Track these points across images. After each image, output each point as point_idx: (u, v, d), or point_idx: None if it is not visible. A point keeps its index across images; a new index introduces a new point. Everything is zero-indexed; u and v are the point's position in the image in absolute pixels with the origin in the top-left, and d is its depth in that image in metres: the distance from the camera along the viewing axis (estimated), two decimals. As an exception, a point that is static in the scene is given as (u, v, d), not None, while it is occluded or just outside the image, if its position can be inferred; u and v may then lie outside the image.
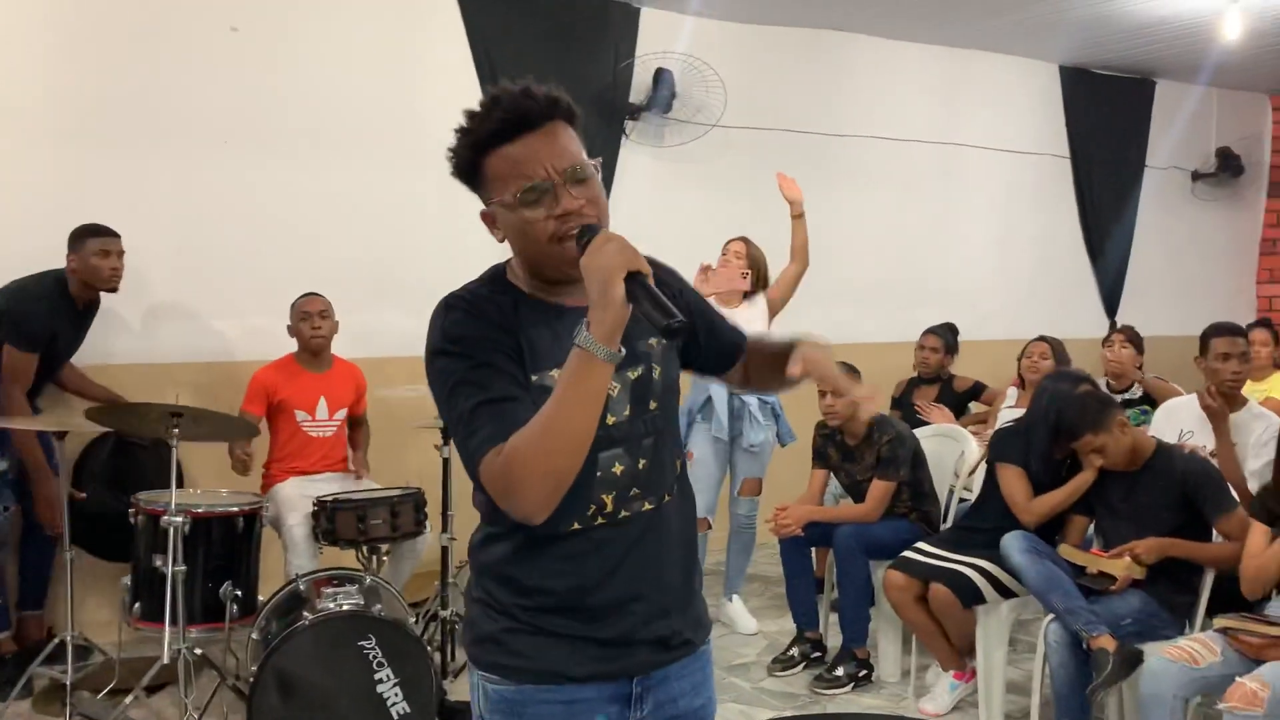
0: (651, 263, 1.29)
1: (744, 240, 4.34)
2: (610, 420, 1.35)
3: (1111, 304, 6.87)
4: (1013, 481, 3.50)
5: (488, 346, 1.30)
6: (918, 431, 4.16)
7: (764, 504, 4.26)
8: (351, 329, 4.30)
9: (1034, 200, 6.62)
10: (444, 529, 3.80)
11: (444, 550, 3.77)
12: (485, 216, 1.37)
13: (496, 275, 1.40)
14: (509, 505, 1.25)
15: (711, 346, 1.58)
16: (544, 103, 1.31)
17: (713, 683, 1.50)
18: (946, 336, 5.13)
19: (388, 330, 4.69)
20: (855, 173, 5.86)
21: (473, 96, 4.45)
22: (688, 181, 5.42)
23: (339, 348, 4.17)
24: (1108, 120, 6.68)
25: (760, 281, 4.30)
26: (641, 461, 1.38)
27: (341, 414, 4.08)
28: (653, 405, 1.41)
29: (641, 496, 1.38)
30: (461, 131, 1.33)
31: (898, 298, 6.02)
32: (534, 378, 1.32)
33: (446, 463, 3.69)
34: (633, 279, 1.22)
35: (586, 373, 1.22)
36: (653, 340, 1.42)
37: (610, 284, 1.20)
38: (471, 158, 1.33)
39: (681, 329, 1.18)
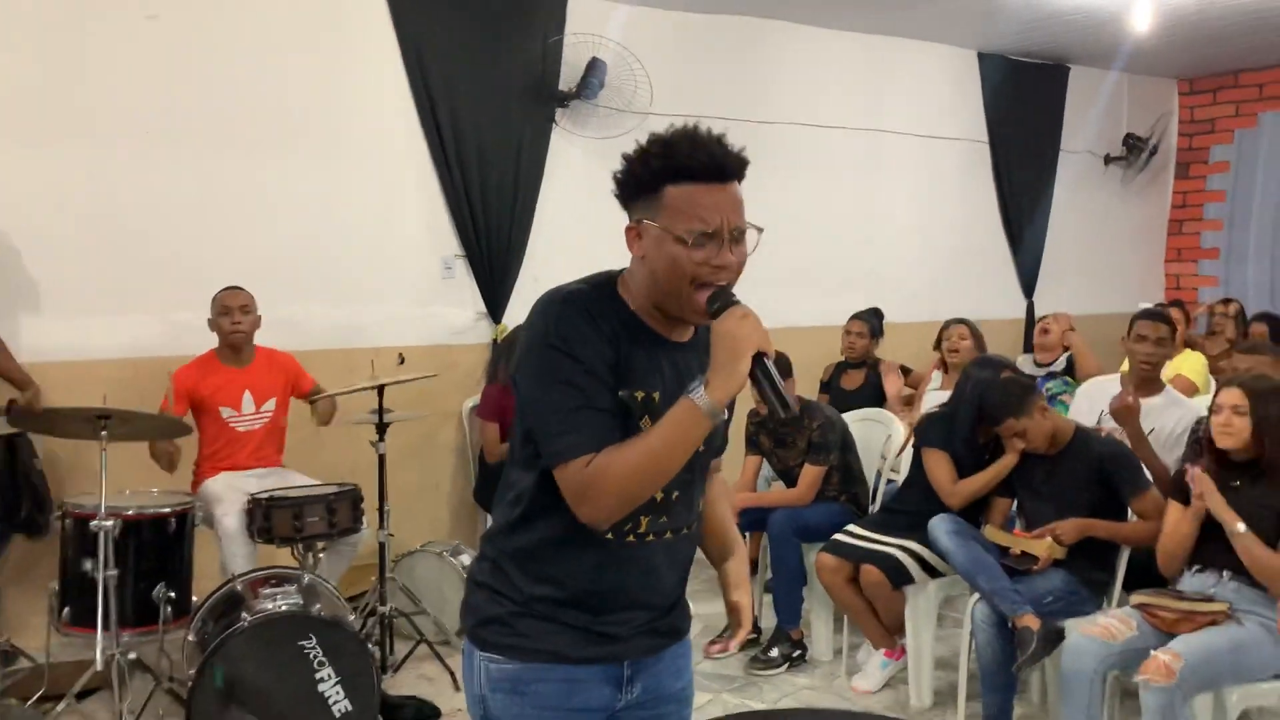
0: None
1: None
2: None
3: (1029, 285, 6.90)
4: (938, 465, 3.54)
5: (595, 354, 1.34)
6: (846, 416, 4.17)
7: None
8: (276, 322, 4.22)
9: (955, 185, 6.58)
10: (381, 525, 3.74)
11: (381, 546, 3.72)
12: (633, 230, 1.41)
13: (607, 284, 1.44)
14: (580, 508, 1.32)
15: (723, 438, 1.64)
16: (737, 162, 1.37)
17: (691, 667, 1.61)
18: (872, 321, 5.13)
19: (313, 323, 4.60)
20: (783, 160, 5.76)
21: (398, 85, 4.41)
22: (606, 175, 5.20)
23: (264, 342, 4.09)
24: (1025, 107, 6.72)
25: None
26: (676, 494, 1.47)
27: (270, 405, 3.98)
28: (701, 446, 1.44)
29: (669, 525, 1.47)
30: (654, 154, 1.37)
31: (825, 282, 5.97)
32: (621, 392, 1.36)
33: (382, 459, 3.65)
34: (758, 359, 1.30)
35: (692, 424, 1.29)
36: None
37: (740, 357, 1.28)
38: (657, 181, 1.37)
39: (791, 421, 1.20)
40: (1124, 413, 3.41)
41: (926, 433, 3.64)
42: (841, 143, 6.04)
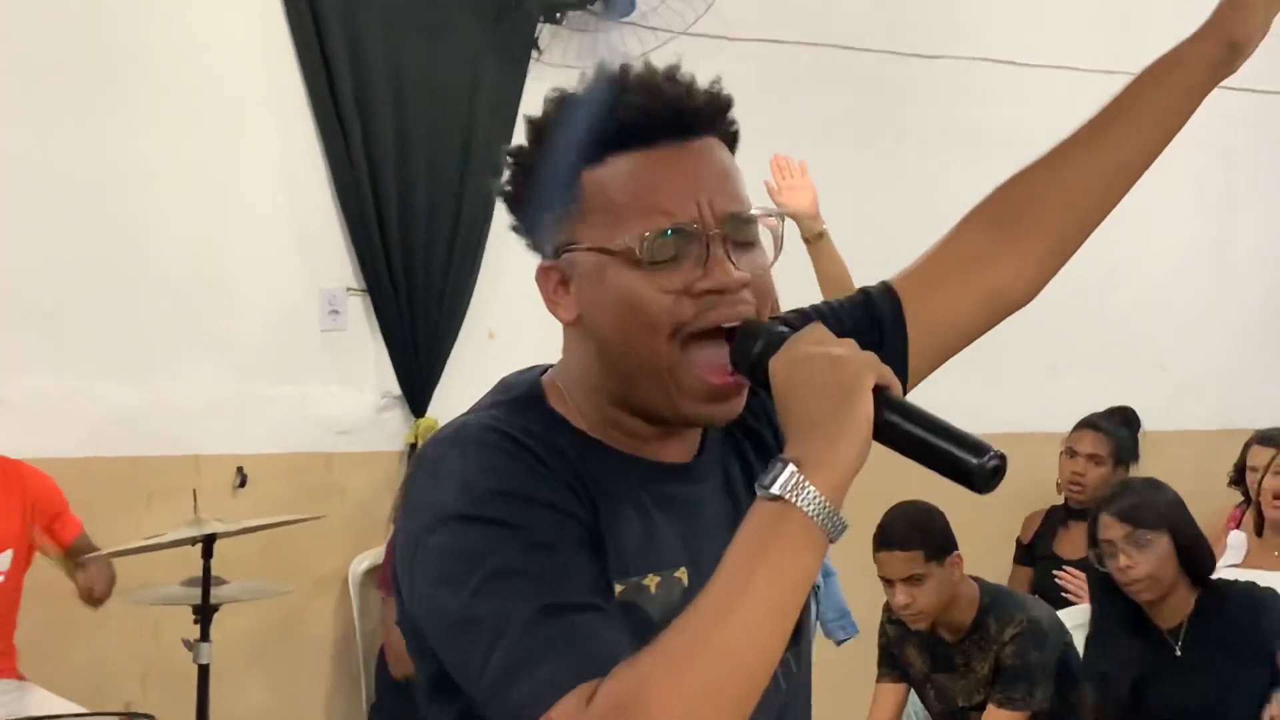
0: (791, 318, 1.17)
1: None
2: None
3: None
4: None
5: (553, 518, 1.03)
6: (1065, 614, 3.33)
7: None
8: (6, 408, 3.62)
9: (1272, 175, 5.12)
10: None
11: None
12: (548, 273, 1.09)
13: (529, 401, 1.12)
14: None
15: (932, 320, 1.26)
16: (709, 102, 1.07)
17: None
18: (1118, 434, 3.98)
19: (79, 411, 3.74)
20: (954, 123, 4.57)
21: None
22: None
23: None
24: None
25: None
26: None
27: (3, 561, 3.32)
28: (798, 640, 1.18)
29: None
30: (545, 126, 1.08)
31: (1021, 355, 4.55)
32: (621, 586, 1.07)
33: (204, 671, 3.11)
34: (882, 397, 0.98)
35: (785, 549, 0.95)
36: None
37: (855, 391, 0.96)
38: (568, 169, 1.06)
39: (1003, 467, 0.96)
40: None
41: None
42: (1060, 96, 4.52)
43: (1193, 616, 2.68)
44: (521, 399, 1.14)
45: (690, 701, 0.93)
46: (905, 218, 4.43)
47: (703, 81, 1.11)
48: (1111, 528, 2.68)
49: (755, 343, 1.03)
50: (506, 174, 1.13)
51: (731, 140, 1.12)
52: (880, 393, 0.98)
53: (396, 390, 4.01)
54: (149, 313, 3.77)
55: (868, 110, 4.51)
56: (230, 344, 3.89)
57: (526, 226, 1.13)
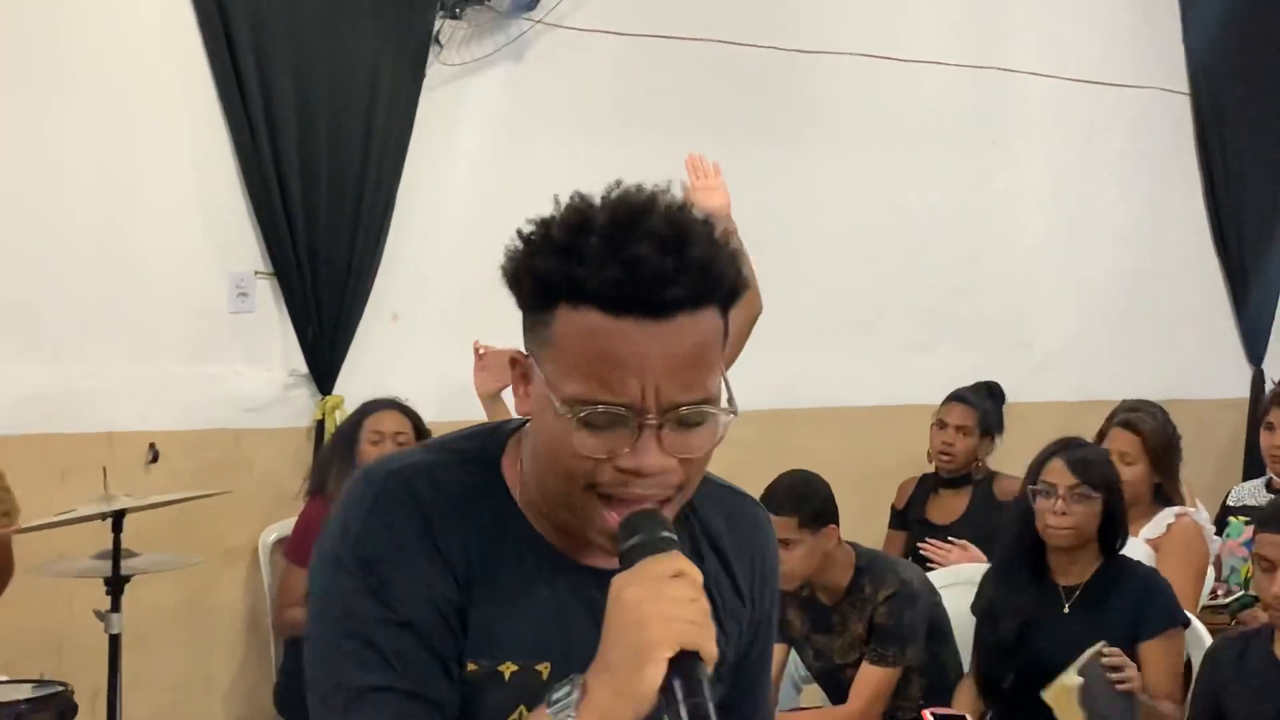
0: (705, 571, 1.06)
1: None
2: None
3: (1258, 344, 5.45)
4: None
5: (419, 602, 1.08)
6: (938, 576, 3.45)
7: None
8: None
9: (1131, 167, 5.23)
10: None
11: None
12: (516, 363, 1.11)
13: (487, 457, 1.14)
14: None
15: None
16: (693, 279, 1.01)
17: None
18: (983, 405, 4.08)
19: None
20: (838, 118, 4.65)
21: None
22: (540, 119, 4.36)
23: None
24: (1263, 32, 5.21)
25: None
26: None
27: None
28: None
29: None
30: (544, 240, 1.04)
31: (900, 331, 4.74)
32: (471, 664, 1.10)
33: (116, 641, 3.16)
34: (683, 664, 0.99)
35: None
36: None
37: (645, 656, 0.97)
38: (547, 294, 1.04)
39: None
40: None
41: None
42: (938, 90, 4.77)
43: (1090, 581, 2.75)
44: (480, 453, 1.16)
45: None
46: (787, 210, 4.59)
47: (706, 251, 1.05)
48: (1059, 474, 2.71)
49: (632, 536, 1.04)
50: (515, 242, 1.10)
51: (727, 302, 1.08)
52: (681, 659, 1.00)
53: (304, 369, 4.05)
54: (62, 296, 3.78)
55: (752, 105, 4.54)
56: (142, 326, 3.90)
57: (516, 297, 1.12)
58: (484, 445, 1.16)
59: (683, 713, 0.99)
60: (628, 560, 1.02)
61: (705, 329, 1.04)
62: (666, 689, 0.99)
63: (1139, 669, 2.70)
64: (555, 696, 1.01)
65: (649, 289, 1.00)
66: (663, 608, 0.98)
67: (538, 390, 1.07)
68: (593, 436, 1.03)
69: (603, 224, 1.02)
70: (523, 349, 1.12)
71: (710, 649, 1.00)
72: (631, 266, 1.00)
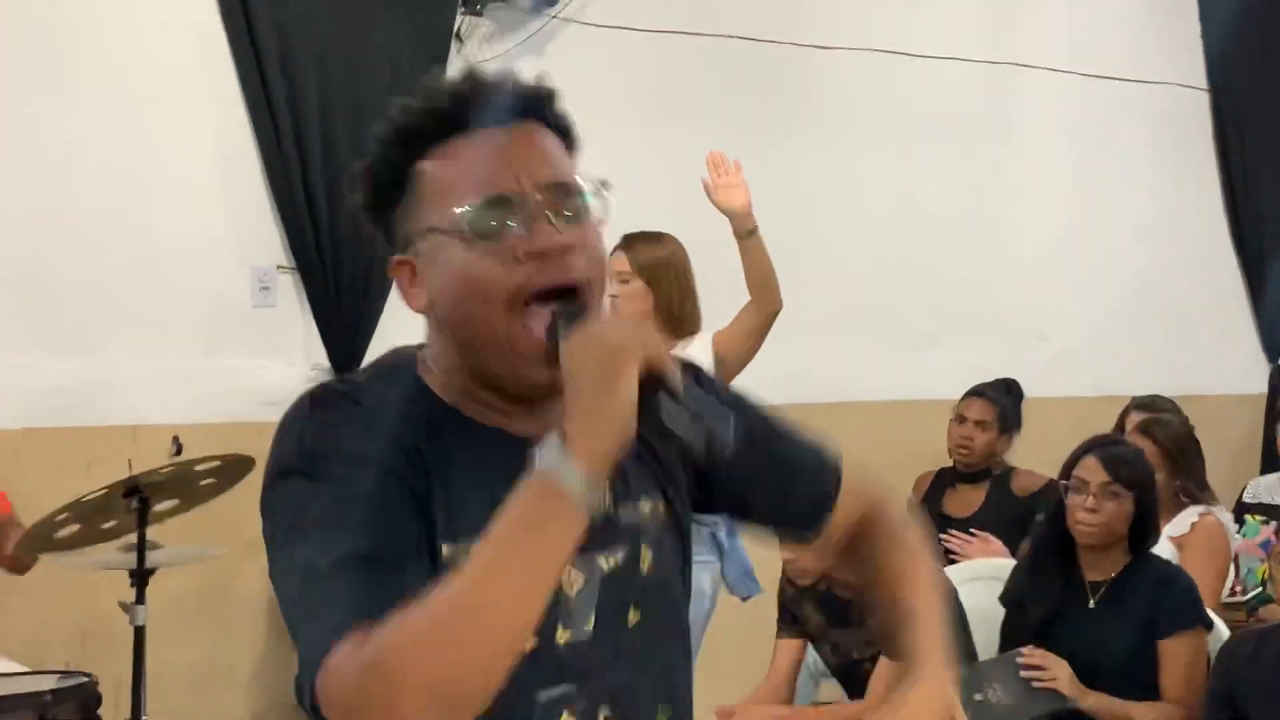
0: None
1: (625, 247, 3.39)
2: (561, 637, 1.11)
3: (1274, 342, 5.37)
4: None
5: (373, 473, 1.04)
6: (951, 571, 3.37)
7: (700, 695, 3.21)
8: None
9: (1148, 164, 5.24)
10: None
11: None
12: (399, 268, 1.12)
13: (400, 369, 1.14)
14: None
15: (777, 491, 1.25)
16: (525, 93, 1.11)
17: None
18: (1001, 401, 4.08)
19: (12, 384, 3.76)
20: (843, 114, 4.67)
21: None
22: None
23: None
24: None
25: (672, 314, 3.38)
26: (604, 713, 1.13)
27: None
28: (632, 618, 1.15)
29: None
30: (391, 124, 1.11)
31: (914, 328, 4.74)
32: (445, 548, 1.06)
33: (140, 633, 3.13)
34: (651, 385, 0.99)
35: (545, 518, 0.97)
36: (648, 505, 1.16)
37: (616, 373, 0.97)
38: (397, 160, 1.10)
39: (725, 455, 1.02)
40: None
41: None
42: (954, 85, 4.78)
43: (1117, 578, 2.73)
44: (393, 367, 1.17)
45: (427, 650, 0.96)
46: (803, 205, 4.59)
47: (524, 81, 1.15)
48: (1092, 470, 2.70)
49: (557, 323, 1.05)
50: (357, 187, 1.15)
51: (563, 133, 1.14)
52: (651, 380, 1.00)
53: (325, 363, 4.07)
54: (86, 290, 3.80)
55: (769, 100, 4.52)
56: (165, 319, 3.93)
57: (382, 231, 1.16)
58: (395, 363, 1.18)
59: (678, 419, 1.00)
60: (564, 334, 1.05)
61: (551, 142, 1.11)
62: (647, 409, 0.99)
63: (1158, 667, 2.68)
64: (540, 458, 0.99)
65: (488, 97, 1.09)
66: (617, 335, 1.00)
67: (428, 261, 1.10)
68: (492, 244, 1.06)
69: (414, 92, 1.11)
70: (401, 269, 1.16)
71: (675, 373, 1.02)
72: (467, 94, 1.09)
